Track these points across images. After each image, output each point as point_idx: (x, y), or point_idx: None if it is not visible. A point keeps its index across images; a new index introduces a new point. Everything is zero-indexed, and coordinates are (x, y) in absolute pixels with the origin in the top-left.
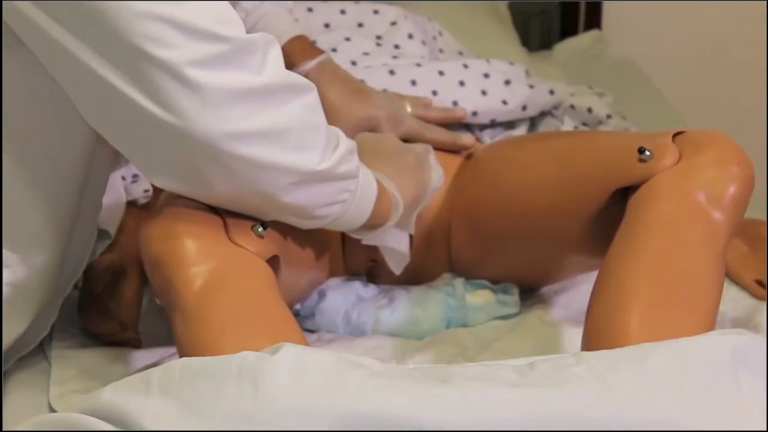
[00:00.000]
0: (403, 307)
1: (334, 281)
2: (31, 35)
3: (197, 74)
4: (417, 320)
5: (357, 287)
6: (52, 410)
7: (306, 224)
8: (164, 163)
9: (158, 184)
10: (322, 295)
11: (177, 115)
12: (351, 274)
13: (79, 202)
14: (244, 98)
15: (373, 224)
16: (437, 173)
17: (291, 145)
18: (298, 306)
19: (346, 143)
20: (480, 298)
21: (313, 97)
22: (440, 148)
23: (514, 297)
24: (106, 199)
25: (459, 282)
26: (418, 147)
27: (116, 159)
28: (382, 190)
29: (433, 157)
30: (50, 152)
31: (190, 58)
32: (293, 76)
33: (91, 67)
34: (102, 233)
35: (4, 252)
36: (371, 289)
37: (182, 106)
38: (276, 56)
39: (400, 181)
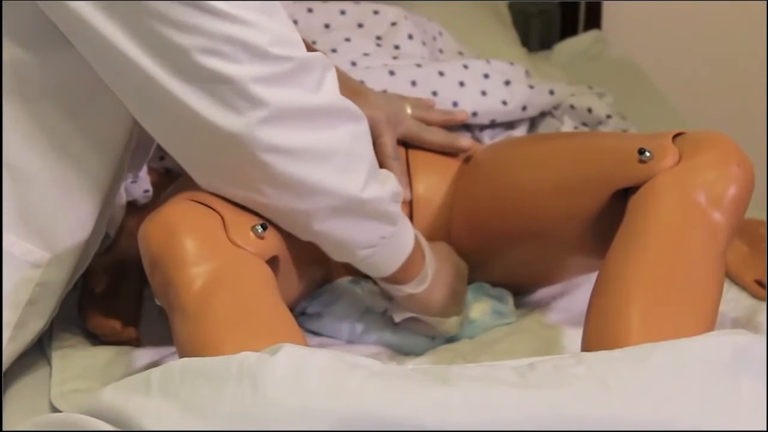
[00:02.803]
0: (407, 333)
1: (344, 281)
2: (88, 42)
3: (260, 90)
4: (419, 343)
5: (367, 297)
6: (54, 409)
7: (339, 256)
8: (214, 169)
9: (206, 188)
10: (335, 299)
11: (234, 126)
12: (351, 274)
13: (103, 203)
14: (299, 115)
15: (393, 279)
16: (457, 322)
17: (336, 167)
18: (305, 303)
19: (394, 186)
20: (476, 312)
21: (363, 127)
22: (438, 150)
23: (509, 306)
24: None
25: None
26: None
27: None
28: (418, 253)
29: (466, 312)
30: (86, 155)
31: (255, 74)
32: (347, 103)
33: (151, 73)
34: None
35: (39, 253)
36: (380, 302)
37: (241, 119)
38: (332, 80)
39: (438, 285)
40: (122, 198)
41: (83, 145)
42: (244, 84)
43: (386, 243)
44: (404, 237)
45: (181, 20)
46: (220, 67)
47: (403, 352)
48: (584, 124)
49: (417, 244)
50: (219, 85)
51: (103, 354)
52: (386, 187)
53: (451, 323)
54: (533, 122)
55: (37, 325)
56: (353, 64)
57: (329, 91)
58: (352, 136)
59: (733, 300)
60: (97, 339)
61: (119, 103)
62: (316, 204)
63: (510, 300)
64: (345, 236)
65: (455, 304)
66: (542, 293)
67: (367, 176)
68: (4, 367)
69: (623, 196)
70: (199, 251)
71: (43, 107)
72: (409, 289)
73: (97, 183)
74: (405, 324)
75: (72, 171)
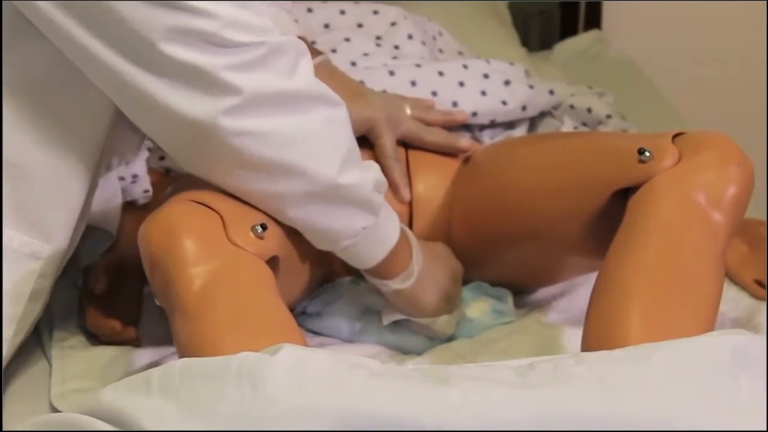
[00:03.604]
0: (406, 332)
1: (345, 281)
2: (57, 38)
3: (231, 77)
4: (419, 342)
5: (367, 296)
6: (54, 409)
7: (320, 244)
8: (193, 154)
9: (191, 172)
10: (335, 298)
11: (206, 113)
12: (351, 274)
13: (90, 185)
14: (272, 100)
15: (377, 272)
16: (447, 321)
17: (309, 151)
18: (305, 303)
19: (377, 175)
20: (475, 311)
21: (340, 112)
22: (438, 150)
23: (508, 305)
24: (105, 200)
25: (466, 293)
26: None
27: (108, 161)
28: (403, 248)
29: (458, 314)
30: (72, 142)
31: (224, 62)
32: (324, 88)
33: (119, 69)
34: (104, 233)
35: (38, 244)
36: (379, 300)
37: (213, 105)
38: (307, 65)
39: (426, 284)
40: (118, 197)
41: (69, 133)
42: (215, 72)
43: (368, 234)
44: (387, 229)
45: (142, 15)
46: (189, 58)
47: (402, 351)
48: (584, 124)
49: (403, 239)
50: (189, 75)
51: (103, 354)
52: (368, 174)
53: (442, 323)
54: (533, 122)
55: (36, 315)
56: (353, 64)
57: (303, 76)
58: (328, 120)
59: (733, 300)
60: (97, 339)
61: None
62: (289, 188)
63: (510, 299)
64: (322, 224)
65: (446, 305)
66: (542, 293)
67: (344, 161)
68: (8, 360)
69: (623, 196)
70: (198, 251)
71: (26, 99)
72: (394, 284)
73: (85, 168)
74: (398, 324)
75: (61, 159)
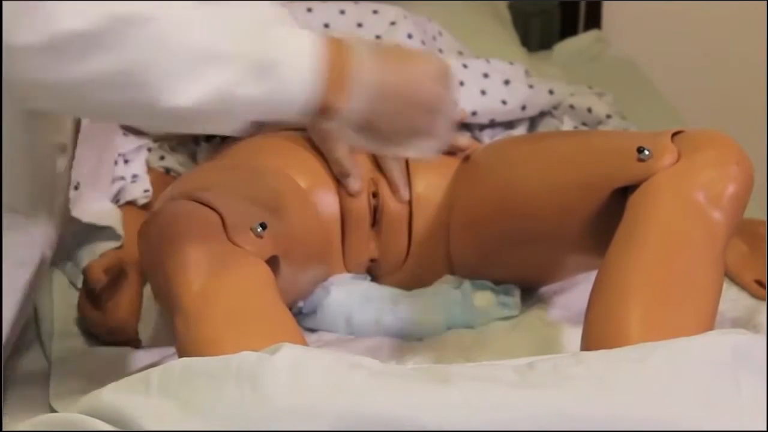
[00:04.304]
0: (405, 311)
1: (339, 278)
2: None
3: (9, 38)
4: (419, 323)
5: (361, 286)
6: (52, 410)
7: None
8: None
9: None
10: (326, 292)
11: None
12: (352, 271)
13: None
14: (63, 47)
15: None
16: (431, 148)
17: (131, 88)
18: (301, 303)
19: (259, 51)
20: (481, 300)
21: (157, 25)
22: None
23: (515, 298)
24: (106, 200)
25: (467, 284)
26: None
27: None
28: (335, 87)
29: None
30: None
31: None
32: (126, 7)
33: None
34: (104, 233)
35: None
36: (375, 290)
37: (15, 66)
38: None
39: (381, 114)
40: (119, 198)
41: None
42: None
43: (262, 115)
44: (292, 90)
45: None
46: None
47: (402, 337)
48: (584, 124)
49: (330, 78)
50: None
51: (103, 354)
52: (234, 67)
53: (417, 149)
54: (533, 122)
55: (40, 286)
56: None
57: (84, 8)
58: (141, 44)
59: (733, 300)
60: (96, 339)
61: None
62: (138, 120)
63: (516, 293)
64: (196, 131)
65: (413, 135)
66: (542, 290)
67: (182, 77)
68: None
69: (623, 194)
70: (198, 252)
71: None
72: (333, 124)
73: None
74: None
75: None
